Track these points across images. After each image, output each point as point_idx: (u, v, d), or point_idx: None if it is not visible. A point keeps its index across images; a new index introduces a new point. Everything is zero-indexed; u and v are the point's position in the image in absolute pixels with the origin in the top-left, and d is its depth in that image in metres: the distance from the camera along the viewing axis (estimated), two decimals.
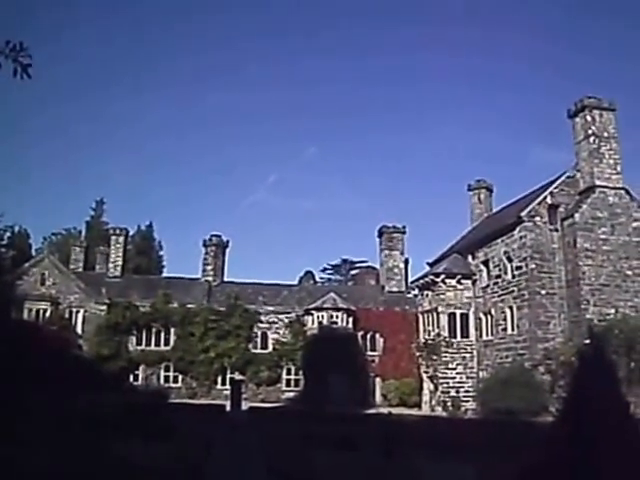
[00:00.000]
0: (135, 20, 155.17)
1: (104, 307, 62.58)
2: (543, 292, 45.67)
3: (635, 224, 46.55)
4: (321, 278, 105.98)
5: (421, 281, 56.32)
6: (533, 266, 46.04)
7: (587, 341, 36.02)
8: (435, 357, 52.02)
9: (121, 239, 71.29)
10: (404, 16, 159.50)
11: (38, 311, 60.19)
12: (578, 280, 44.40)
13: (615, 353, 37.93)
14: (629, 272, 45.46)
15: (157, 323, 63.04)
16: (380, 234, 72.45)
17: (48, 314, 60.44)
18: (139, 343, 62.90)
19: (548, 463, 11.87)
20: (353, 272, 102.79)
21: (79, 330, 61.94)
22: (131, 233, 79.87)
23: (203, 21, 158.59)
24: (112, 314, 61.97)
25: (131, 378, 60.63)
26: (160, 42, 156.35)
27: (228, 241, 72.13)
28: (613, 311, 43.79)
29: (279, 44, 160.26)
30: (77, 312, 62.66)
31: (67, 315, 62.00)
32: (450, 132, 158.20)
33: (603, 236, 45.55)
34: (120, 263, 70.24)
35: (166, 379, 61.86)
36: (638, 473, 10.02)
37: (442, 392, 51.07)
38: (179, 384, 61.58)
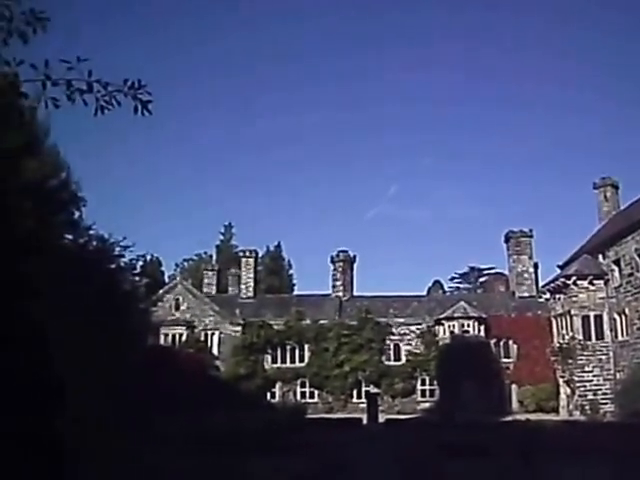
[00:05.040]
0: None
1: (239, 328, 64.06)
2: None
3: None
4: (449, 287, 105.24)
5: (552, 285, 55.39)
6: None
7: None
8: (570, 361, 51.07)
9: (251, 261, 72.77)
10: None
11: (174, 336, 62.15)
12: None
13: None
14: None
15: (291, 340, 64.08)
16: (507, 239, 71.32)
17: (184, 338, 62.32)
18: (274, 361, 64.09)
19: None
20: (482, 279, 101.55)
21: (215, 351, 63.63)
22: (260, 254, 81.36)
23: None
24: (247, 334, 63.42)
25: (268, 396, 61.80)
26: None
27: (355, 256, 72.59)
28: None
29: (392, 56, 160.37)
30: (212, 334, 64.38)
31: (203, 338, 63.79)
32: (572, 130, 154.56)
33: None
34: (252, 284, 71.69)
35: (302, 395, 62.73)
36: None
37: (579, 396, 50.05)
38: (315, 399, 62.36)
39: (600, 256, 53.13)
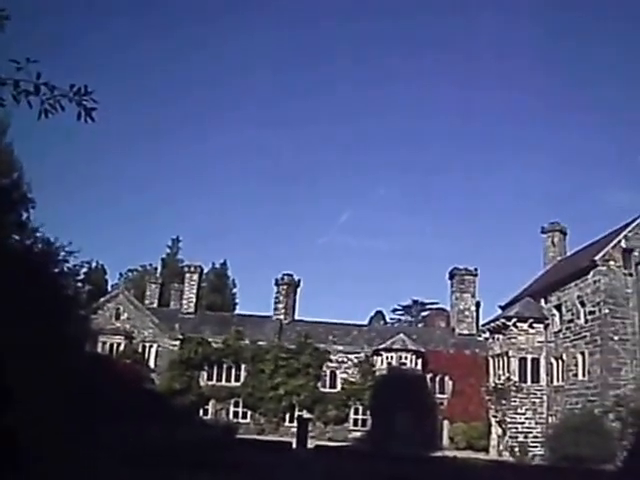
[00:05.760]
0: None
1: (177, 342, 63.69)
2: (616, 338, 44.86)
3: None
4: (391, 319, 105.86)
5: (492, 324, 55.91)
6: (606, 311, 45.23)
7: None
8: (504, 401, 51.51)
9: (195, 276, 72.57)
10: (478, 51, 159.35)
11: (112, 345, 61.36)
12: None
13: None
14: None
15: (228, 359, 63.84)
16: (451, 276, 72.12)
17: (122, 348, 61.61)
18: (210, 378, 63.78)
19: None
20: (424, 314, 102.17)
21: (152, 364, 63.09)
22: (205, 271, 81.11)
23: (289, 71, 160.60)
24: (185, 349, 63.06)
25: (201, 412, 61.42)
26: (241, 86, 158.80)
27: (300, 280, 72.77)
28: None
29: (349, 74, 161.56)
30: (150, 347, 63.87)
31: (140, 349, 63.18)
32: (523, 174, 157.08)
33: None
34: (194, 300, 71.44)
35: (235, 414, 62.48)
36: None
37: (510, 437, 50.45)
38: (248, 420, 62.15)
39: (542, 300, 53.84)
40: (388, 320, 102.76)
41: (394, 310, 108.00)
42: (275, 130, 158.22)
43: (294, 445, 47.89)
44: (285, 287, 70.80)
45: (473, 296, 70.98)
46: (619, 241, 46.96)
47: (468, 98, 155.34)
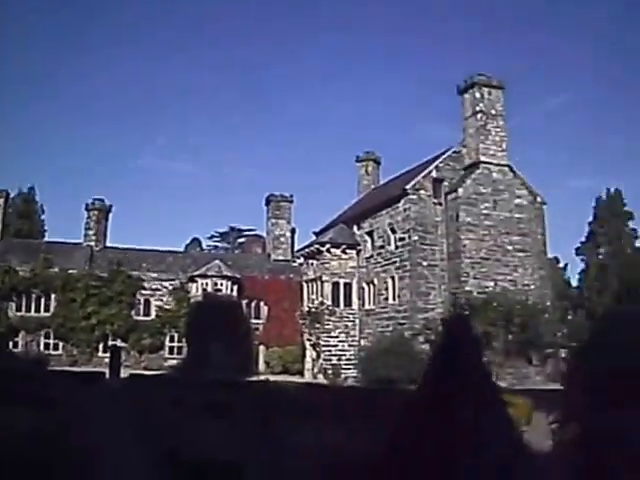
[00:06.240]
0: None
1: None
2: (425, 264, 46.52)
3: (517, 201, 47.75)
4: (208, 246, 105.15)
5: (306, 250, 56.66)
6: (416, 238, 46.79)
7: (467, 312, 37.02)
8: (318, 325, 52.49)
9: (1, 201, 69.09)
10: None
11: None
12: (459, 253, 45.38)
13: (493, 325, 39.14)
14: (509, 247, 46.69)
15: (37, 289, 61.46)
16: (267, 202, 72.46)
17: None
18: (19, 309, 61.25)
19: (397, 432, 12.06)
20: (240, 240, 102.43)
21: None
22: (12, 196, 77.57)
23: None
24: None
25: (10, 345, 59.06)
26: None
27: (111, 205, 70.63)
28: (492, 284, 44.96)
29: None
30: None
31: None
32: (342, 105, 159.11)
33: (485, 211, 46.57)
34: None
35: (46, 346, 60.44)
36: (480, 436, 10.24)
37: (324, 360, 51.61)
38: (60, 351, 60.37)
39: (355, 227, 54.97)
40: (205, 247, 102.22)
41: (211, 237, 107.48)
42: (81, 49, 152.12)
43: (107, 375, 46.97)
44: (96, 213, 68.43)
45: (289, 222, 71.77)
46: (430, 171, 48.44)
47: (287, 38, 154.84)
